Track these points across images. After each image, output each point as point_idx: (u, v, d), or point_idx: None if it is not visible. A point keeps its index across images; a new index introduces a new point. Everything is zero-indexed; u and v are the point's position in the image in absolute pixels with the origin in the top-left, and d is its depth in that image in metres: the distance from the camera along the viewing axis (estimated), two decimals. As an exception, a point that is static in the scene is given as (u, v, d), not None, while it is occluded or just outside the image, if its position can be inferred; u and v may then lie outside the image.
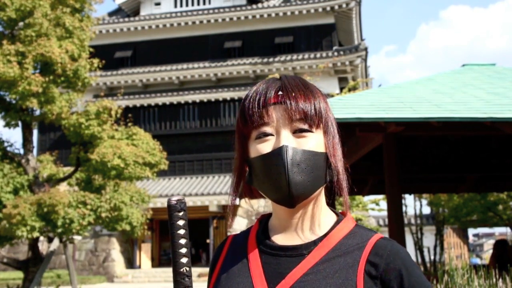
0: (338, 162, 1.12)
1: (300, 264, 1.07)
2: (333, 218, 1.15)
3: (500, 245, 9.00)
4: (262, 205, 24.00)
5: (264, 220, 1.22)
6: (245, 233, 1.20)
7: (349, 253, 1.07)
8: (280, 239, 1.13)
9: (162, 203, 23.34)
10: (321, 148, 1.10)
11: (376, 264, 1.05)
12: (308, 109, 1.08)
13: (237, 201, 1.18)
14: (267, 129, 1.09)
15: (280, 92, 1.10)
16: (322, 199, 1.14)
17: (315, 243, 1.09)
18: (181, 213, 1.06)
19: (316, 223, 1.12)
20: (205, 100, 27.97)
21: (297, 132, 1.08)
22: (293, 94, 1.09)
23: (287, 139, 1.07)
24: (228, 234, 23.38)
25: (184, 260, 1.05)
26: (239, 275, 1.11)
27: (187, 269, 1.04)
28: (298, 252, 1.09)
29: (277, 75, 1.20)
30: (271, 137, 1.09)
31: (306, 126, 1.08)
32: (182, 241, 1.05)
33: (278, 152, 1.06)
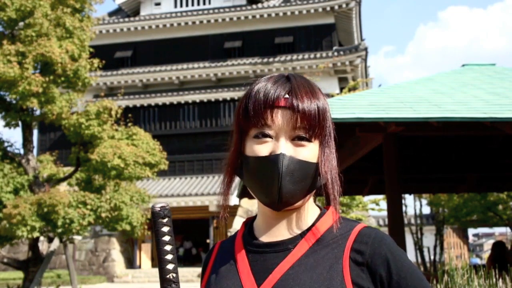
0: (328, 172, 1.11)
1: (286, 258, 1.08)
2: (316, 211, 1.16)
3: (497, 246, 9.04)
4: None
5: (249, 222, 1.23)
6: (233, 237, 1.22)
7: (334, 243, 1.09)
8: (265, 237, 1.14)
9: (162, 203, 23.32)
10: (314, 158, 1.10)
11: (361, 251, 1.06)
12: (312, 120, 1.08)
13: (232, 200, 1.19)
14: (267, 131, 1.08)
15: (287, 96, 1.09)
16: (308, 198, 1.15)
17: (300, 236, 1.11)
18: (165, 220, 1.06)
19: (300, 218, 1.13)
20: (205, 100, 27.97)
21: (296, 139, 1.08)
22: (301, 101, 1.08)
23: (285, 146, 1.07)
24: (228, 234, 23.37)
25: (170, 266, 1.05)
26: (228, 276, 1.13)
27: (174, 275, 1.05)
28: (283, 247, 1.10)
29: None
30: (269, 139, 1.08)
31: (306, 136, 1.08)
32: (168, 247, 1.05)
33: (275, 159, 1.06)
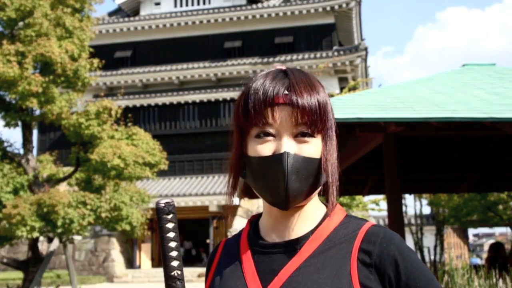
0: (329, 166, 1.08)
1: (293, 259, 1.06)
2: (323, 210, 1.13)
3: (494, 248, 9.05)
4: (262, 205, 23.99)
5: (254, 220, 1.20)
6: (237, 236, 1.19)
7: (341, 244, 1.06)
8: (271, 237, 1.12)
9: (162, 203, 23.34)
10: (318, 154, 1.07)
11: (369, 252, 1.03)
12: (313, 115, 1.05)
13: (236, 200, 1.16)
14: (269, 129, 1.05)
15: (286, 92, 1.06)
16: (314, 195, 1.12)
17: (306, 237, 1.08)
18: (170, 216, 1.04)
19: (307, 217, 1.11)
20: (205, 100, 27.97)
21: (299, 136, 1.06)
22: (301, 96, 1.05)
23: (288, 144, 1.04)
24: (228, 234, 23.39)
25: (175, 263, 1.03)
26: (233, 277, 1.10)
27: (179, 272, 1.03)
28: (290, 248, 1.08)
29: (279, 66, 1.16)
30: (271, 138, 1.06)
31: (309, 131, 1.06)
32: (172, 244, 1.04)
33: (279, 158, 1.03)
